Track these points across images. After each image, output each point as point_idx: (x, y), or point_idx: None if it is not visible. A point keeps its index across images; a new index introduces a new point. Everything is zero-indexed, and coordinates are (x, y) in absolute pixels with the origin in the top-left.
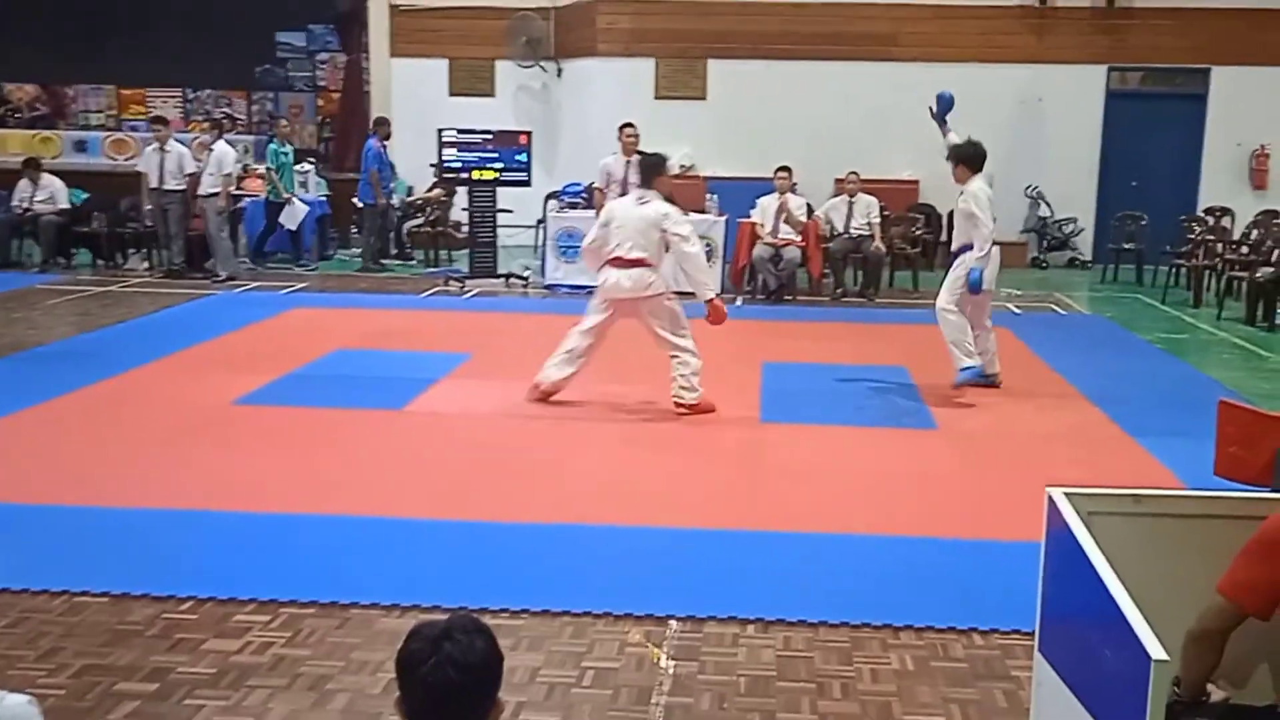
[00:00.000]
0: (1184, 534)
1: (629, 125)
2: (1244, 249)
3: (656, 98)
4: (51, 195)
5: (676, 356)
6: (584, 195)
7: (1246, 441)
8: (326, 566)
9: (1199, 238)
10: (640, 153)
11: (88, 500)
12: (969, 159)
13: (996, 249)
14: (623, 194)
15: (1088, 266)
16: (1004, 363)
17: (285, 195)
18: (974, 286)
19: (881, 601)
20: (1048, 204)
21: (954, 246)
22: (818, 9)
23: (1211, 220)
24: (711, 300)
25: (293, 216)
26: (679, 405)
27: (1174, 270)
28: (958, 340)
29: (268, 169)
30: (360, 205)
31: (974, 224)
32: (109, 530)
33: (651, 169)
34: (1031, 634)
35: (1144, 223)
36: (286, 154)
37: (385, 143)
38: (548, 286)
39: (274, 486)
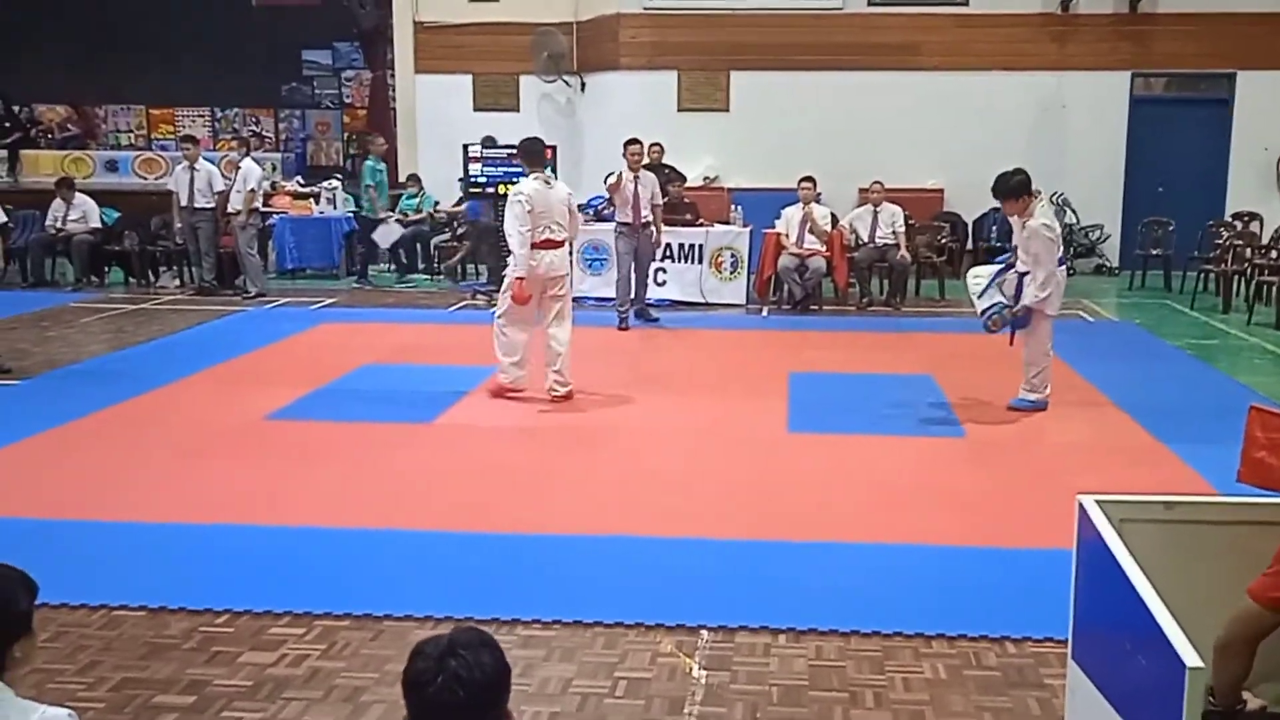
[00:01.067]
0: (1216, 540)
1: (634, 142)
2: (1273, 254)
3: (679, 110)
4: (84, 215)
5: (557, 338)
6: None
7: (1275, 447)
8: (360, 579)
9: (1227, 243)
10: (648, 167)
11: (124, 515)
12: (1020, 187)
13: (1063, 269)
14: (634, 209)
15: (1115, 273)
16: None
17: (382, 214)
18: (1019, 324)
19: (913, 610)
20: (1073, 211)
21: (1021, 267)
22: (839, 19)
23: (1239, 225)
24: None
25: (386, 235)
26: (556, 397)
27: (1202, 276)
28: (1036, 375)
29: (366, 186)
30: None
31: (1038, 264)
32: (145, 545)
33: (535, 152)
34: (1064, 642)
35: (1171, 228)
36: (383, 171)
37: None
38: (574, 299)
39: (306, 500)
